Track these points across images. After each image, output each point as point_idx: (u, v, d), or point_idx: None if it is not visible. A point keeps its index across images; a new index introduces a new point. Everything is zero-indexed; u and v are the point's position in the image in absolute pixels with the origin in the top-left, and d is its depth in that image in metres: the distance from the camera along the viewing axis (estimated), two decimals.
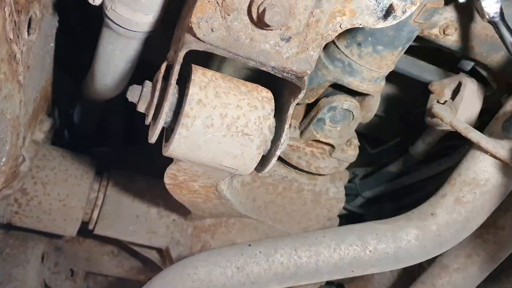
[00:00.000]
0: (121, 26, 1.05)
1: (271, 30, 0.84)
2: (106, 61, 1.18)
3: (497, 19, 1.09)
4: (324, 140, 1.27)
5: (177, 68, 0.85)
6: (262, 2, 0.80)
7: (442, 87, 1.39)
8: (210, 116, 0.85)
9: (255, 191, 1.33)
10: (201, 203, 1.21)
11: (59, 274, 1.68)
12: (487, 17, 1.09)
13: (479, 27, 1.24)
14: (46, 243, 1.64)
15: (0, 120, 0.89)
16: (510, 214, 1.31)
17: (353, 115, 1.22)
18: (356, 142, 1.34)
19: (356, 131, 1.34)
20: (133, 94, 0.92)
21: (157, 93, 0.90)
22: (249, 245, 1.27)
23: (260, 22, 0.82)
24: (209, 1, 0.80)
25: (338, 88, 1.21)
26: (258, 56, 0.86)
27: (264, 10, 0.79)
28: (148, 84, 0.92)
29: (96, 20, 1.15)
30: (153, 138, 0.90)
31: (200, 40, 0.83)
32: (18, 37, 0.92)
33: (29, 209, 1.37)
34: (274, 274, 1.23)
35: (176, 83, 0.88)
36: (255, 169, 0.95)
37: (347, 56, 1.11)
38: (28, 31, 1.00)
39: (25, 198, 1.36)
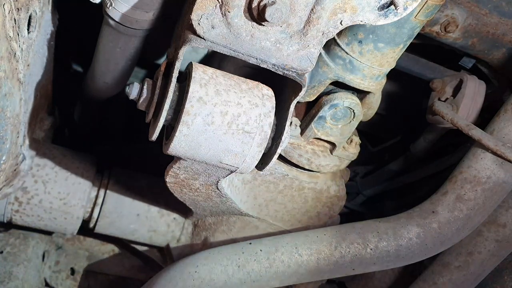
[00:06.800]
0: (121, 24, 1.05)
1: (271, 27, 0.83)
2: (106, 59, 1.18)
3: None
4: (325, 138, 1.26)
5: (177, 66, 0.85)
6: None
7: (443, 84, 1.39)
8: (210, 113, 0.85)
9: (256, 189, 1.33)
10: (201, 201, 1.20)
11: (60, 273, 1.68)
12: None
13: (481, 24, 1.24)
14: (47, 242, 1.64)
15: (0, 118, 0.89)
16: (511, 211, 1.30)
17: (354, 113, 1.22)
18: (357, 140, 1.34)
19: (357, 129, 1.34)
20: (133, 92, 0.92)
21: (157, 91, 0.89)
22: (250, 243, 1.27)
23: (260, 19, 0.81)
24: None
25: (339, 85, 1.20)
26: (259, 53, 0.86)
27: (264, 7, 0.79)
28: (148, 81, 0.92)
29: (96, 18, 1.15)
30: (153, 136, 0.90)
31: (201, 37, 0.83)
32: (18, 34, 0.92)
33: (30, 207, 1.37)
34: (275, 272, 1.23)
35: (177, 81, 0.87)
36: (256, 167, 0.95)
37: (348, 54, 1.11)
38: (28, 29, 1.00)
39: (25, 196, 1.36)
